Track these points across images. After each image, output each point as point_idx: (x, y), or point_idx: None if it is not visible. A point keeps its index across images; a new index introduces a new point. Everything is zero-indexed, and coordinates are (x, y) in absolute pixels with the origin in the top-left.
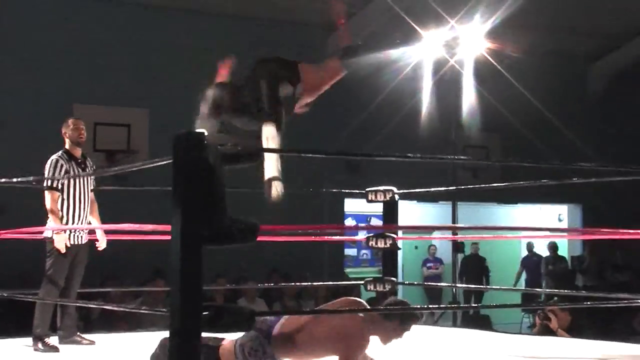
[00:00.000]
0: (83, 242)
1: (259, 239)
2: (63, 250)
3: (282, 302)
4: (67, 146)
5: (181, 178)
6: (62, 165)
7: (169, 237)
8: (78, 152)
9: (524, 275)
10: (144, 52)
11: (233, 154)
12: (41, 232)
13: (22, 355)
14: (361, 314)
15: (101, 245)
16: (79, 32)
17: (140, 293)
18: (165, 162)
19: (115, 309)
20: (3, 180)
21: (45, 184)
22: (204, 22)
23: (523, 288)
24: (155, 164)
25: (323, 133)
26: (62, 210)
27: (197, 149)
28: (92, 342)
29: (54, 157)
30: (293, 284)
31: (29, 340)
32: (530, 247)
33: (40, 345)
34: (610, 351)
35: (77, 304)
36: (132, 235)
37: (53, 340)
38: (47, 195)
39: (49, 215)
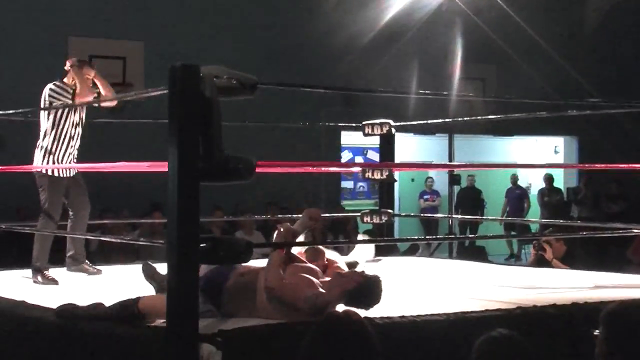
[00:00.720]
0: (72, 175)
1: (256, 170)
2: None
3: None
4: (65, 80)
5: (177, 110)
6: (63, 90)
7: (166, 170)
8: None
9: (507, 209)
10: None
11: (229, 86)
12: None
13: (21, 287)
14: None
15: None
16: None
17: (138, 225)
18: (160, 93)
19: (114, 240)
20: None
21: (79, 91)
22: None
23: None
24: (150, 94)
25: (320, 67)
26: (53, 141)
27: (193, 81)
28: (99, 271)
29: (52, 85)
30: (289, 215)
31: (27, 272)
32: (514, 179)
33: (39, 277)
34: (604, 281)
35: (75, 236)
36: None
37: (53, 271)
38: (90, 98)
39: (39, 148)
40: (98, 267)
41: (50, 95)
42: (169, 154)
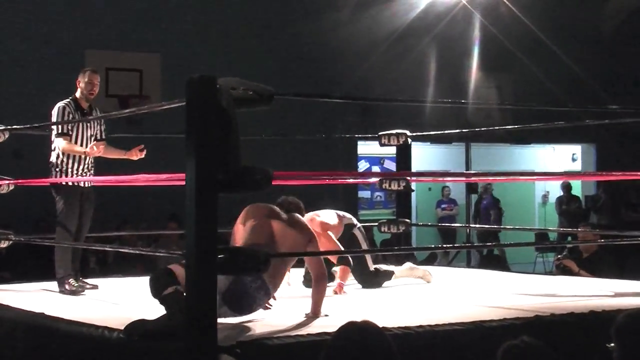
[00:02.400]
0: (87, 186)
1: (274, 182)
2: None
3: None
4: (77, 94)
5: (195, 122)
6: (69, 113)
7: (182, 182)
8: (85, 104)
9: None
10: None
11: (246, 98)
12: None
13: (49, 298)
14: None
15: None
16: None
17: (156, 237)
18: (177, 105)
19: (132, 251)
20: (18, 127)
21: (56, 131)
22: None
23: (536, 228)
24: (167, 107)
25: (336, 77)
26: (65, 157)
27: (210, 93)
28: (95, 287)
29: (61, 104)
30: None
31: (46, 284)
32: (486, 189)
33: (66, 287)
34: (623, 289)
35: (94, 248)
36: (148, 182)
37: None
38: (61, 141)
39: (57, 162)
40: (93, 283)
41: (58, 114)
42: (186, 166)
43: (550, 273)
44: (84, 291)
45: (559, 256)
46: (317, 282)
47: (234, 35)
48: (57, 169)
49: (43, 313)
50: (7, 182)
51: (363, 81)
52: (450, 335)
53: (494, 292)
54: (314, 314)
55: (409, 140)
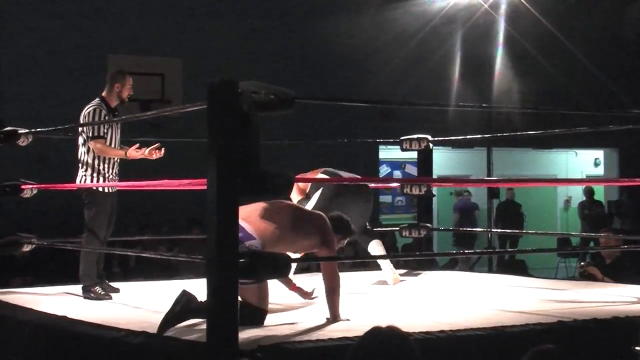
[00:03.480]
0: (113, 191)
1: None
2: (142, 153)
3: None
4: (105, 94)
5: (216, 126)
6: (105, 116)
7: (204, 187)
8: (114, 103)
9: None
10: (177, 1)
11: (267, 102)
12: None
13: (71, 301)
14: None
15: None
16: None
17: (177, 242)
18: (199, 108)
19: (153, 256)
20: (41, 130)
21: (91, 134)
22: None
23: (558, 232)
24: (189, 110)
25: (358, 81)
26: (99, 160)
27: (231, 97)
28: (116, 290)
29: (93, 106)
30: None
31: (68, 288)
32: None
33: (91, 294)
34: None
35: (115, 252)
36: (170, 187)
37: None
38: (96, 144)
39: (85, 166)
40: (115, 286)
41: (93, 117)
42: (207, 170)
43: (573, 278)
44: (109, 297)
45: (582, 263)
46: (330, 285)
47: (255, 39)
48: (93, 174)
49: (65, 316)
50: (34, 186)
51: (385, 85)
52: (472, 340)
53: (515, 297)
54: (334, 317)
55: (431, 145)
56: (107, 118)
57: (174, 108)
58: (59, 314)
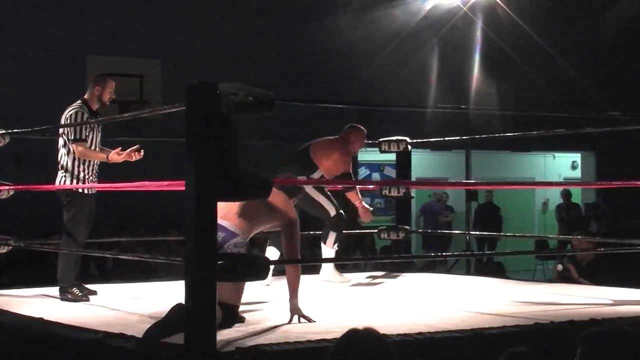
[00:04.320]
0: (92, 193)
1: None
2: (123, 157)
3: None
4: (87, 97)
5: (194, 127)
6: (86, 117)
7: (183, 189)
8: (95, 106)
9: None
10: (156, 2)
11: (246, 103)
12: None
13: (48, 303)
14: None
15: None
16: None
17: (155, 243)
18: (177, 110)
19: (131, 258)
20: (18, 131)
21: (72, 136)
22: None
23: (536, 235)
24: (168, 111)
25: (337, 83)
26: (80, 161)
27: (210, 98)
28: (94, 292)
29: (75, 108)
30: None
31: (45, 290)
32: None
33: (68, 294)
34: (622, 297)
35: (94, 254)
36: (149, 188)
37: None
38: (78, 147)
39: (64, 168)
40: (92, 289)
41: (75, 120)
42: (186, 172)
43: (550, 281)
44: (88, 298)
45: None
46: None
47: (235, 41)
48: (72, 176)
49: (42, 318)
50: (13, 187)
51: (364, 87)
52: (450, 343)
53: (493, 299)
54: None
55: (409, 147)
56: (88, 120)
57: (152, 109)
58: (36, 315)
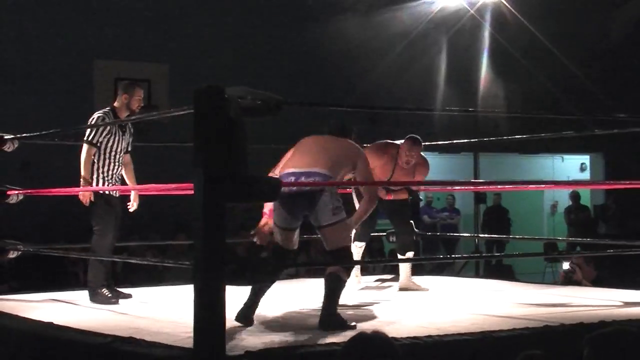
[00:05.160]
0: (117, 196)
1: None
2: (86, 203)
3: (308, 253)
4: (116, 105)
5: (202, 131)
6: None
7: (191, 192)
8: (124, 114)
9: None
10: (164, 6)
11: (254, 107)
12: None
13: (58, 308)
14: None
15: (133, 206)
16: None
17: (164, 247)
18: (185, 113)
19: (141, 262)
20: (27, 135)
21: (86, 138)
22: None
23: (545, 237)
24: (175, 114)
25: (344, 86)
26: (99, 164)
27: (218, 102)
28: (129, 296)
29: (100, 113)
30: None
31: (53, 294)
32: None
33: (98, 296)
34: (632, 298)
35: (102, 258)
36: (157, 191)
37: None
38: (85, 147)
39: (93, 170)
40: (127, 292)
41: (92, 120)
42: (194, 175)
43: (560, 283)
44: (117, 301)
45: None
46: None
47: (242, 44)
48: (99, 177)
49: (51, 322)
50: (20, 192)
51: (372, 89)
52: (459, 345)
53: (502, 302)
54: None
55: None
56: (112, 126)
57: (160, 112)
58: (45, 320)
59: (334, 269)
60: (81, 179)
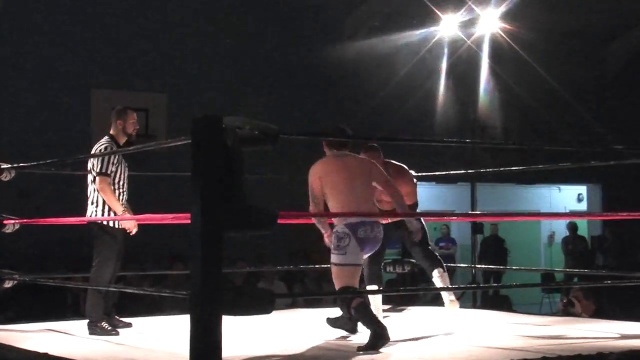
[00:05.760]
0: (121, 227)
1: (279, 221)
2: (134, 230)
3: (303, 284)
4: (112, 132)
5: (200, 161)
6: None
7: (188, 222)
8: (122, 140)
9: None
10: (162, 36)
11: (251, 137)
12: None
13: (53, 338)
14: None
15: (133, 231)
16: (97, 16)
17: (161, 277)
18: (183, 143)
19: (137, 292)
20: (24, 165)
21: (98, 170)
22: (222, 4)
23: (542, 268)
24: (173, 144)
25: (339, 116)
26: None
27: (215, 132)
28: (129, 325)
29: (104, 143)
30: (313, 265)
31: (48, 324)
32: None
33: (97, 329)
34: (630, 330)
35: (99, 288)
36: (155, 221)
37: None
38: (100, 181)
39: (95, 202)
40: (127, 320)
41: (101, 151)
42: (192, 205)
43: (557, 314)
44: (117, 332)
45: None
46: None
47: (240, 74)
48: (103, 210)
49: (47, 353)
50: (16, 221)
51: (369, 119)
52: None
53: (499, 333)
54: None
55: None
56: (118, 157)
57: (158, 142)
58: (41, 351)
59: (354, 303)
60: (117, 211)
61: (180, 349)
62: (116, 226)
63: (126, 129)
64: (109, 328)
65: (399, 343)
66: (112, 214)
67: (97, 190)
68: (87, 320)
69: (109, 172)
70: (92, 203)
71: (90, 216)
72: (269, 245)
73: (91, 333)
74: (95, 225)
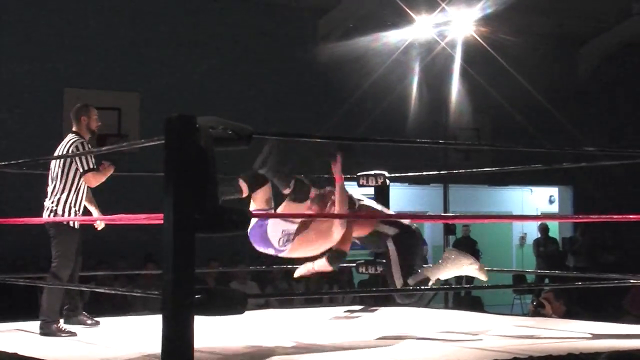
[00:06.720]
0: (79, 226)
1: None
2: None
3: (273, 284)
4: (76, 129)
5: (173, 161)
6: (88, 147)
7: (161, 222)
8: (87, 137)
9: None
10: (135, 35)
11: (224, 137)
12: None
13: (23, 338)
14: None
15: (101, 225)
16: (70, 15)
17: (133, 277)
18: (155, 143)
19: (109, 292)
20: None
21: (87, 167)
22: (196, 4)
23: (514, 269)
24: (146, 145)
25: (313, 117)
26: (69, 194)
27: (189, 132)
28: (97, 323)
29: (75, 140)
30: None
31: (20, 324)
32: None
33: (49, 329)
34: (600, 331)
35: (70, 287)
36: (127, 221)
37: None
38: (91, 176)
39: (57, 200)
40: (96, 319)
41: (78, 148)
42: (164, 205)
43: (528, 315)
44: (68, 334)
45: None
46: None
47: (214, 74)
48: (65, 207)
49: (16, 353)
50: None
51: (342, 121)
52: None
53: (471, 333)
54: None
55: (387, 181)
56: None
57: (131, 143)
58: (10, 351)
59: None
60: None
61: (152, 349)
62: (73, 225)
63: (90, 125)
64: (63, 329)
65: (371, 345)
66: (72, 212)
67: (70, 188)
68: (41, 320)
69: (95, 165)
70: (50, 201)
71: (49, 215)
72: (241, 246)
73: (43, 334)
74: (52, 225)
